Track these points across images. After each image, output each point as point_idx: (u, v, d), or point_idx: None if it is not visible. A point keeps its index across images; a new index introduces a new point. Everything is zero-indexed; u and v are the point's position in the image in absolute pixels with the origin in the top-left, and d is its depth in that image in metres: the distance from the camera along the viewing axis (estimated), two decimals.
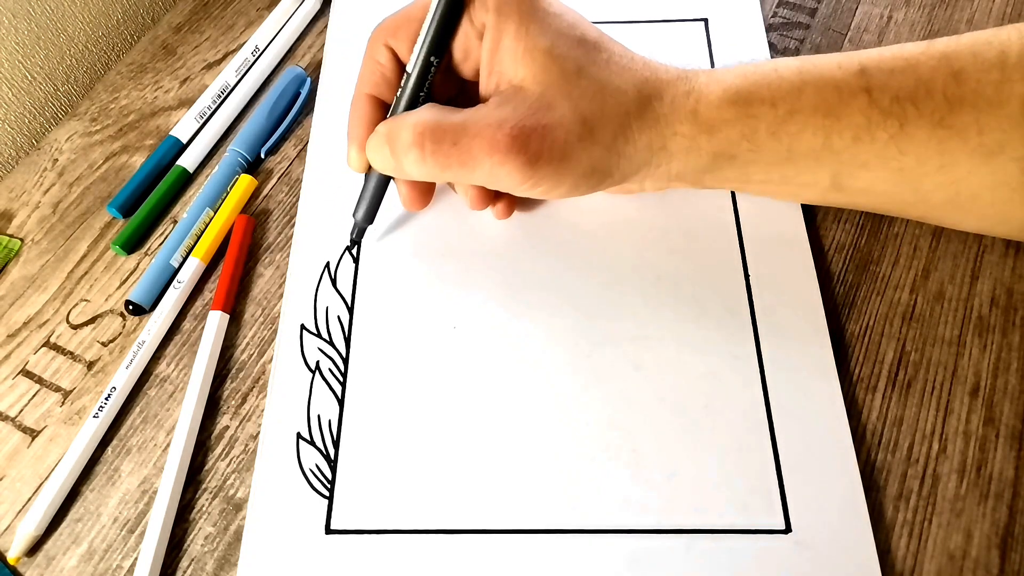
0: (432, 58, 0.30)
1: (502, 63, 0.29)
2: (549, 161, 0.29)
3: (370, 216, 0.34)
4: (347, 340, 0.33)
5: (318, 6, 0.46)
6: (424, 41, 0.30)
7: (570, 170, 0.29)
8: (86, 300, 0.36)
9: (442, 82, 0.32)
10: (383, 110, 0.32)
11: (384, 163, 0.31)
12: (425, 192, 0.34)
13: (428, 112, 0.30)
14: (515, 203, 0.35)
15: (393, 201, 0.37)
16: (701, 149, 0.30)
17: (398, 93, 0.31)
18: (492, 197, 0.34)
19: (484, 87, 0.31)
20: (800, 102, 0.29)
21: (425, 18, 0.30)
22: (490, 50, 0.30)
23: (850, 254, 0.35)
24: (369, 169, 0.33)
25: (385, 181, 0.33)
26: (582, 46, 0.29)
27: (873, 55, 0.29)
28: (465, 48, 0.31)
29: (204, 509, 0.30)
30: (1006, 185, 0.29)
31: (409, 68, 0.31)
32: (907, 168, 0.29)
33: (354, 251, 0.35)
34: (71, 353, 0.35)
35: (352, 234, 0.35)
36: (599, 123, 0.29)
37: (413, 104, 0.31)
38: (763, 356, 0.32)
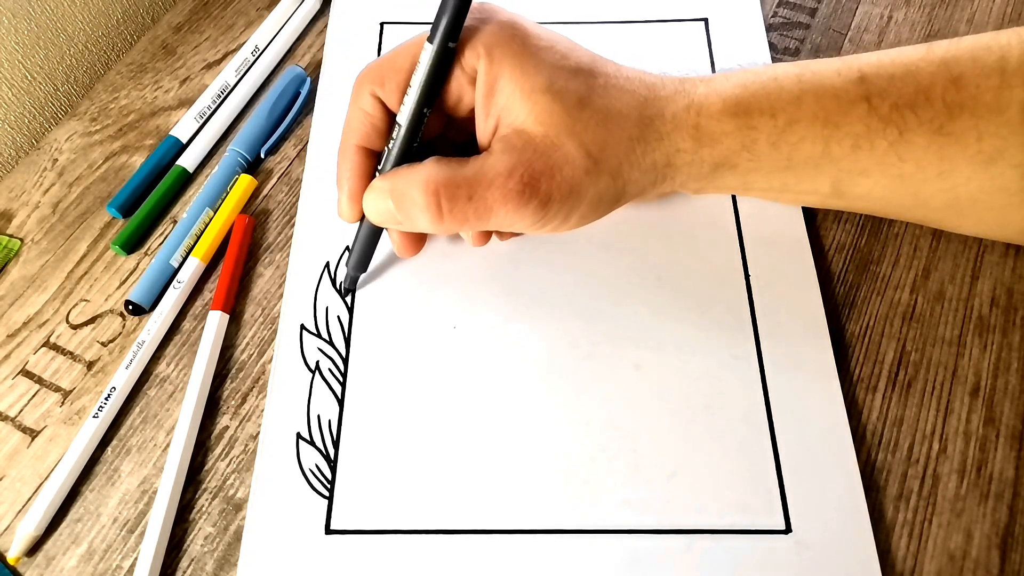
0: (424, 109, 0.29)
1: (499, 105, 0.29)
2: (559, 199, 0.29)
3: (363, 265, 0.33)
4: (347, 340, 0.33)
5: (318, 6, 0.46)
6: (416, 94, 0.29)
7: (579, 203, 0.29)
8: (86, 300, 0.36)
9: (432, 122, 0.31)
10: (372, 158, 0.31)
11: (385, 218, 0.30)
12: (420, 239, 0.33)
13: (436, 168, 0.29)
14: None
15: None
16: (703, 161, 0.30)
17: (389, 144, 0.30)
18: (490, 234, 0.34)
19: (482, 130, 0.30)
20: (799, 111, 0.29)
21: (415, 68, 0.29)
22: (485, 94, 0.29)
23: (850, 254, 0.35)
24: (363, 221, 0.32)
25: (377, 232, 0.32)
26: (579, 75, 0.29)
27: (872, 61, 0.29)
28: (457, 94, 0.30)
29: (204, 509, 0.30)
30: (1005, 191, 0.29)
31: (400, 119, 0.29)
32: (907, 175, 0.29)
33: (348, 299, 0.34)
34: (71, 353, 0.35)
35: (345, 283, 0.34)
36: (604, 153, 0.29)
37: (405, 155, 0.30)
38: (763, 356, 0.32)
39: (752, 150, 0.30)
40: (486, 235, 0.34)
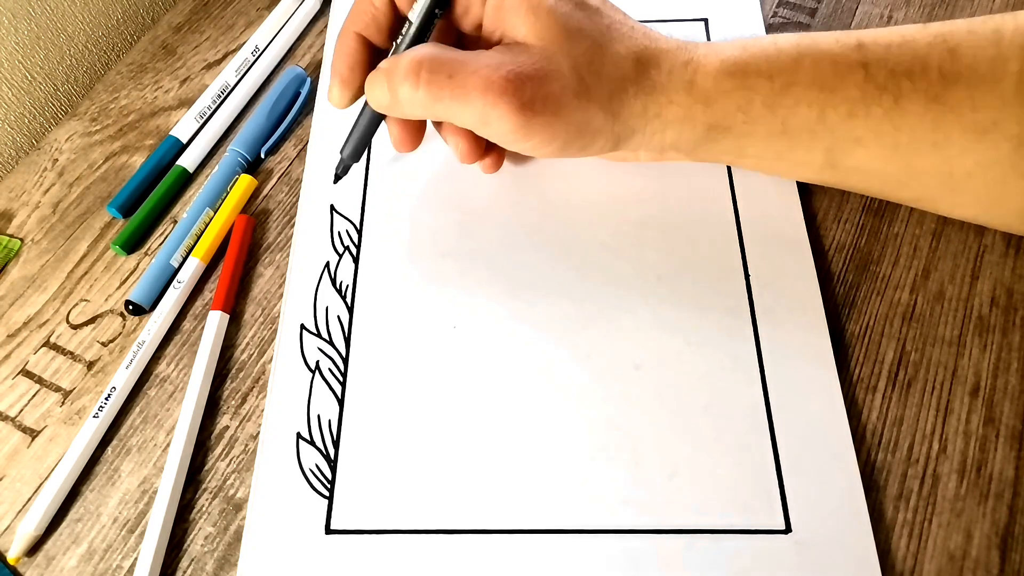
0: (436, 9, 0.31)
1: (505, 19, 0.30)
2: (542, 111, 0.29)
3: (356, 154, 0.35)
4: (347, 340, 0.33)
5: (318, 6, 0.46)
6: None
7: (563, 124, 0.29)
8: (86, 300, 0.36)
9: (441, 35, 0.33)
10: (369, 50, 0.32)
11: (380, 97, 0.31)
12: (415, 133, 0.34)
13: (429, 47, 0.30)
14: (503, 157, 0.36)
15: (395, 203, 0.37)
16: (696, 120, 0.30)
17: (398, 40, 0.31)
18: (482, 151, 0.34)
19: (486, 42, 0.31)
20: (796, 75, 0.29)
21: None
22: (494, 6, 0.30)
23: (850, 254, 0.35)
24: (363, 108, 0.33)
25: (376, 121, 0.33)
26: (583, 9, 0.30)
27: (871, 32, 0.30)
28: (467, 3, 0.31)
29: (204, 509, 0.30)
30: (999, 164, 0.29)
31: (412, 17, 0.31)
32: (901, 144, 0.29)
33: (336, 184, 0.37)
34: (71, 353, 0.35)
35: (337, 169, 0.35)
36: (596, 83, 0.29)
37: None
38: (763, 356, 0.32)
39: (747, 112, 0.30)
40: (474, 149, 0.34)
